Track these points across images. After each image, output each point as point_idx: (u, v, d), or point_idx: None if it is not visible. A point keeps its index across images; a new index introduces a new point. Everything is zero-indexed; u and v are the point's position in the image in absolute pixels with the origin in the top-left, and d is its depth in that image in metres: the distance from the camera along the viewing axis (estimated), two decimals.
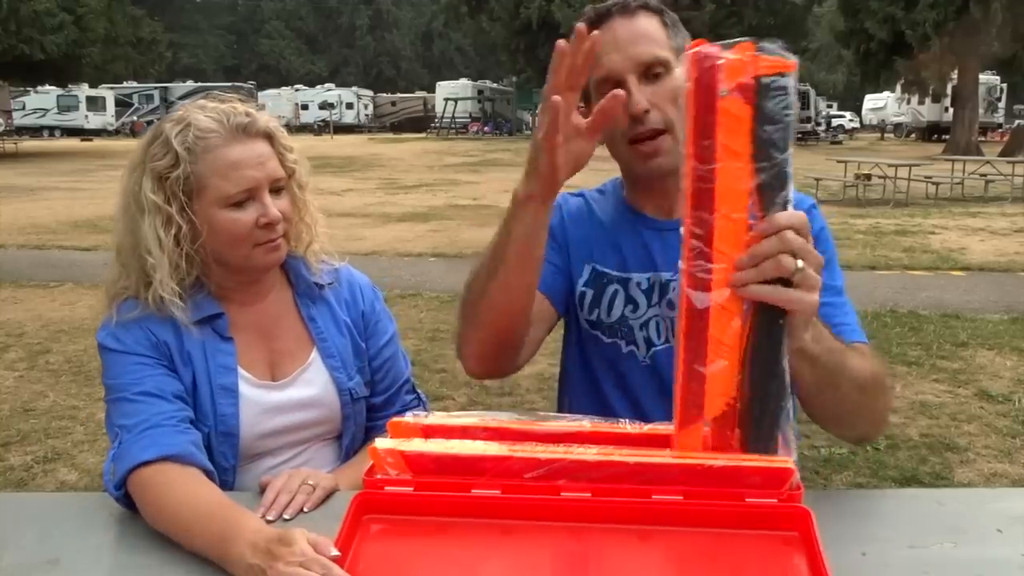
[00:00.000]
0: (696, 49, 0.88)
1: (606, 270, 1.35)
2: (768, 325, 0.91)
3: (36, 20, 24.31)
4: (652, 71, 1.24)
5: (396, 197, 13.60)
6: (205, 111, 1.26)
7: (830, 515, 1.06)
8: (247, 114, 1.27)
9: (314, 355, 1.37)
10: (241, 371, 1.31)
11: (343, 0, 76.98)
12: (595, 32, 1.00)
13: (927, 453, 3.46)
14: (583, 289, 1.37)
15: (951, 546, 0.96)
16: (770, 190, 0.89)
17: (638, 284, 1.33)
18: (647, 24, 1.27)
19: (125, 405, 1.20)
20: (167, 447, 1.14)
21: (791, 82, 0.87)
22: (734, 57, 0.86)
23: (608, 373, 1.37)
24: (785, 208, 0.89)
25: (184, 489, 1.09)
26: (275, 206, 1.26)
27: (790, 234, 0.88)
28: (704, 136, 0.88)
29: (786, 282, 0.89)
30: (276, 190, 1.28)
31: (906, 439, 3.60)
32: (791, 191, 0.90)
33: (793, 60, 0.87)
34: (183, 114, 1.27)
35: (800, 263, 0.88)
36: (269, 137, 1.28)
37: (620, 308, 1.34)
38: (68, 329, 5.41)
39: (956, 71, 26.46)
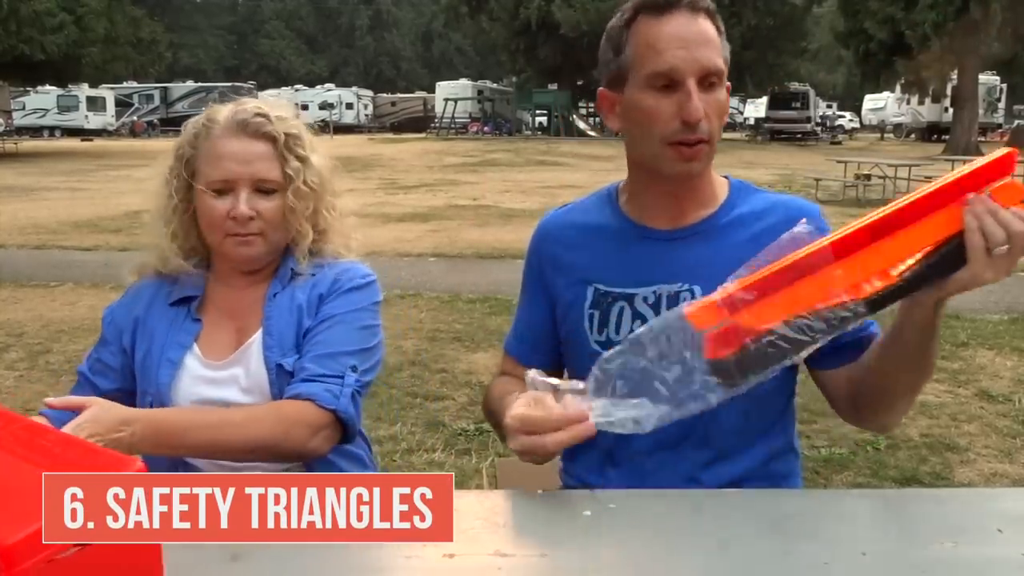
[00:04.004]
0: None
1: (609, 289, 1.31)
2: (938, 266, 0.98)
3: (36, 20, 24.29)
4: (708, 80, 1.19)
5: (396, 197, 13.60)
6: (225, 106, 1.40)
7: (830, 515, 1.06)
8: (258, 115, 1.36)
9: (259, 333, 1.40)
10: (196, 348, 1.39)
11: (343, 0, 76.97)
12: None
13: (927, 453, 3.46)
14: (590, 311, 1.32)
15: (951, 546, 0.96)
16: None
17: (644, 299, 1.29)
18: (709, 28, 1.21)
19: (79, 377, 1.44)
20: None
21: None
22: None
23: None
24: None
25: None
26: (255, 205, 1.34)
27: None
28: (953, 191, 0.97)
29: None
30: (264, 191, 1.35)
31: (906, 439, 3.60)
32: None
33: None
34: (214, 107, 1.42)
35: (1005, 248, 0.97)
36: (272, 140, 1.35)
37: (628, 324, 1.29)
38: (68, 329, 5.41)
39: (956, 71, 26.48)
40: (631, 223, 1.33)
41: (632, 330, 1.27)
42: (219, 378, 1.38)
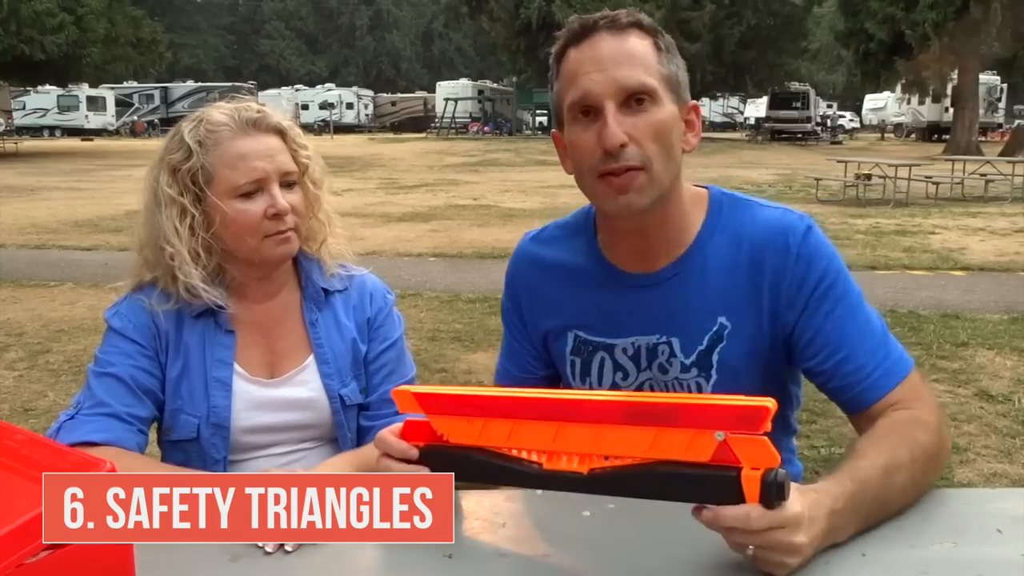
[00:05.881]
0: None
1: (590, 337, 1.24)
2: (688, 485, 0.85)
3: (36, 20, 24.29)
4: (635, 98, 1.08)
5: (396, 197, 13.60)
6: (219, 109, 1.33)
7: None
8: (258, 111, 1.33)
9: (310, 360, 1.39)
10: (236, 366, 1.34)
11: (343, 0, 76.95)
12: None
13: None
14: (572, 358, 1.26)
15: (951, 546, 0.96)
16: None
17: (624, 350, 1.22)
18: (637, 45, 1.10)
19: (102, 380, 1.29)
20: (119, 439, 1.23)
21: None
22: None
23: None
24: None
25: (121, 462, 1.06)
26: (285, 199, 1.30)
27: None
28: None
29: None
30: (287, 184, 1.32)
31: None
32: None
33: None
34: (199, 112, 1.34)
35: (750, 550, 0.84)
36: (281, 133, 1.34)
37: (610, 376, 1.24)
38: (68, 329, 5.41)
39: (956, 71, 26.47)
40: (607, 265, 1.23)
41: (615, 382, 1.23)
42: (272, 402, 1.35)
